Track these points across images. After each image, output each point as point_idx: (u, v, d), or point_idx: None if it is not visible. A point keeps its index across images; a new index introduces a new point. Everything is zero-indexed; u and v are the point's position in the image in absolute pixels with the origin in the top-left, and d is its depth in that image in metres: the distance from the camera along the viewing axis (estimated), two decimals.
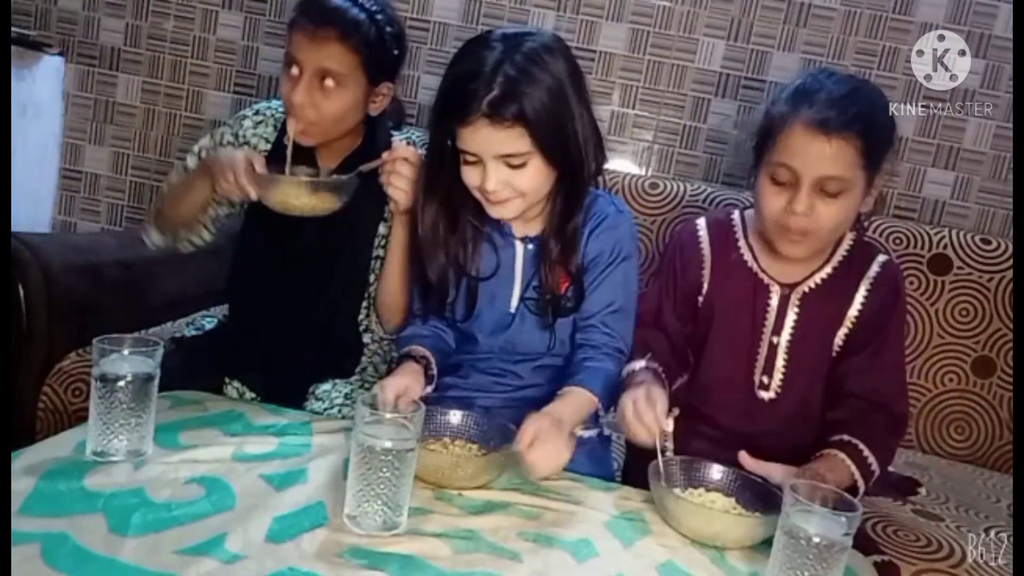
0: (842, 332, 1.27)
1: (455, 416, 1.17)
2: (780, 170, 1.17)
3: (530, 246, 1.26)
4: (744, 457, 1.11)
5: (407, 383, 1.11)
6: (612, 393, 1.20)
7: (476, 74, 1.09)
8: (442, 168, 1.20)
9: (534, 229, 1.26)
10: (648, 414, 1.08)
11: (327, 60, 1.27)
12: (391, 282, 1.35)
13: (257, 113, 1.44)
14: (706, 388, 1.33)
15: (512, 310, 1.27)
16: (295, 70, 1.28)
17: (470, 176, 1.16)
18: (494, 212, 1.19)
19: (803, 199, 1.15)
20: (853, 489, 1.14)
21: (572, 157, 1.16)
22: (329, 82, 1.28)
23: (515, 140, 1.10)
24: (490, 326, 1.28)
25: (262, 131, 1.42)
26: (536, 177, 1.15)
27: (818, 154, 1.13)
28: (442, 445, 1.12)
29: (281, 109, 1.42)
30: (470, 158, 1.14)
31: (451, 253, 1.24)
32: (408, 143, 1.42)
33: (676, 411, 1.32)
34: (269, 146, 1.40)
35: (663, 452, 1.09)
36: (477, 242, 1.26)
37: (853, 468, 1.15)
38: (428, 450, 1.05)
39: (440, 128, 1.17)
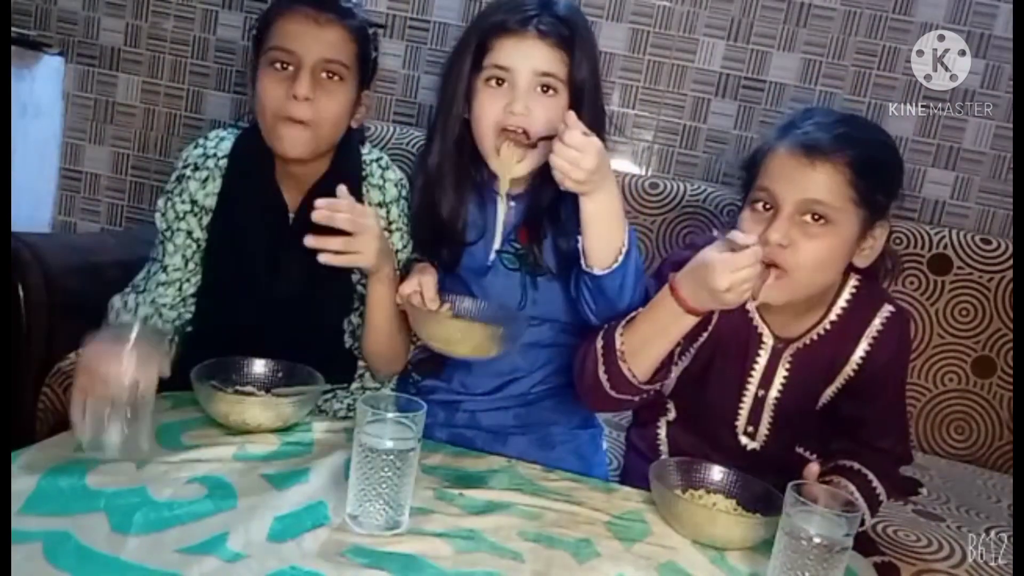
0: (834, 387, 1.19)
1: (470, 303, 1.21)
2: (761, 194, 1.09)
3: (512, 203, 1.23)
4: (811, 471, 1.05)
5: (416, 280, 1.15)
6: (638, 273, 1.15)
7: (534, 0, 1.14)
8: (455, 103, 1.19)
9: (518, 187, 1.22)
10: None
11: (330, 49, 1.17)
12: (379, 337, 1.25)
13: (197, 169, 1.26)
14: (696, 418, 1.27)
15: (488, 263, 1.25)
16: (283, 65, 1.17)
17: (492, 102, 1.14)
18: (499, 164, 1.16)
19: (780, 225, 1.05)
20: None
21: (588, 110, 1.15)
22: (329, 75, 1.18)
23: (557, 62, 1.13)
24: (464, 277, 1.26)
25: (210, 188, 1.26)
26: (557, 112, 1.11)
27: (801, 177, 1.05)
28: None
29: (223, 153, 1.27)
30: (499, 78, 1.14)
31: (458, 199, 1.23)
32: (380, 166, 1.31)
33: (672, 413, 1.32)
34: (215, 200, 1.26)
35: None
36: (460, 198, 1.24)
37: (860, 501, 1.11)
38: (442, 318, 1.15)
39: (468, 46, 1.16)
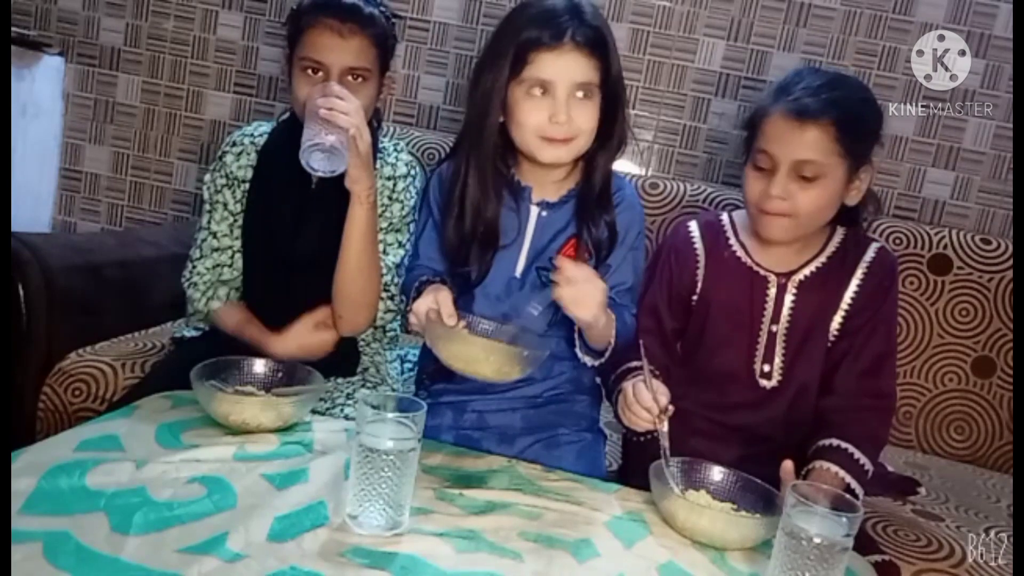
0: (838, 318, 1.30)
1: (487, 323, 1.19)
2: (760, 156, 1.24)
3: (544, 212, 1.27)
4: (786, 469, 1.14)
5: (432, 297, 1.13)
6: (621, 345, 1.23)
7: (563, 10, 1.17)
8: (491, 112, 1.20)
9: (553, 194, 1.28)
10: (645, 395, 1.13)
11: (354, 57, 1.28)
12: (351, 265, 1.30)
13: (235, 145, 1.43)
14: (707, 384, 1.34)
15: (517, 275, 1.27)
16: (313, 72, 1.28)
17: (534, 111, 1.18)
18: (551, 154, 1.20)
19: (779, 182, 1.21)
20: (850, 493, 1.15)
21: (617, 114, 1.23)
22: (354, 78, 1.29)
23: (593, 70, 1.18)
24: (495, 291, 1.26)
25: (244, 162, 1.41)
26: (594, 115, 1.20)
27: (793, 139, 1.20)
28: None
29: (259, 134, 1.43)
30: (539, 90, 1.18)
31: (498, 202, 1.24)
32: (396, 148, 1.44)
33: (671, 409, 1.32)
34: (252, 172, 1.41)
35: (665, 443, 1.10)
36: (500, 202, 1.25)
37: (847, 477, 1.19)
38: (464, 335, 1.12)
39: (504, 57, 1.17)
